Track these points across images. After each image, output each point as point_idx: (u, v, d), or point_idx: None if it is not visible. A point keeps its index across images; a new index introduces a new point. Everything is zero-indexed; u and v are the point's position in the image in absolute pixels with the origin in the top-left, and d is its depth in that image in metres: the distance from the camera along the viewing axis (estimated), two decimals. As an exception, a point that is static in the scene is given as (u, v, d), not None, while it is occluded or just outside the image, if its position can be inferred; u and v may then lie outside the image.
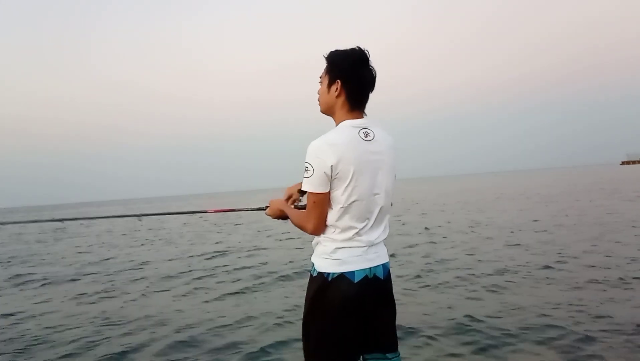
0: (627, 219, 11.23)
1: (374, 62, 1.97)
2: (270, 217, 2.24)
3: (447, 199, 26.46)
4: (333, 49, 1.99)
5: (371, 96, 1.98)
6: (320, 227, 1.92)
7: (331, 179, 1.85)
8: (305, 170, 1.86)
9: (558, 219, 12.16)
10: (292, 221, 2.05)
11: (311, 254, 2.04)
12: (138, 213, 2.69)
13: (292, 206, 2.21)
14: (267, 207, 2.25)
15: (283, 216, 2.19)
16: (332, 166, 1.83)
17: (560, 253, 7.50)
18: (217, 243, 12.50)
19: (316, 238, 1.98)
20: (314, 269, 1.95)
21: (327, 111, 2.02)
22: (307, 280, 2.00)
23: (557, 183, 36.76)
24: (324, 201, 1.89)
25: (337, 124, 1.99)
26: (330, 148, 1.83)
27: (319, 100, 2.04)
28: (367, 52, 1.94)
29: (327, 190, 1.87)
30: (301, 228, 1.97)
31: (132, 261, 10.01)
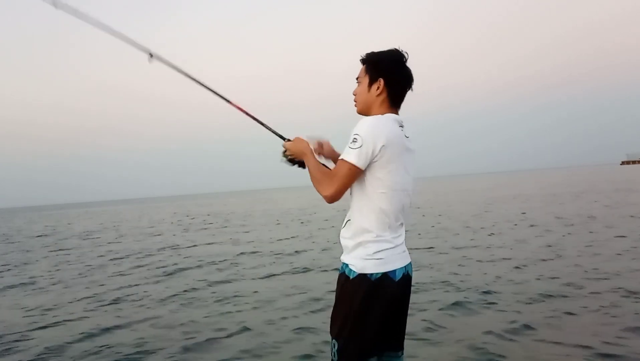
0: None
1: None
2: (286, 152, 2.14)
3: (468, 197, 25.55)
4: (369, 51, 2.04)
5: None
6: (337, 197, 1.90)
7: (372, 160, 1.85)
8: (354, 141, 1.85)
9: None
10: (311, 173, 1.98)
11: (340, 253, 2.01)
12: (148, 51, 2.31)
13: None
14: (288, 140, 2.15)
15: (299, 158, 2.09)
16: (382, 146, 1.84)
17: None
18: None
19: (354, 239, 1.92)
20: (351, 270, 1.91)
21: (365, 109, 2.03)
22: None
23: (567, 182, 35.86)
24: (355, 176, 1.89)
25: None
26: (384, 130, 1.87)
27: (355, 100, 2.07)
28: (405, 53, 2.00)
29: (363, 169, 1.87)
30: (319, 185, 1.92)
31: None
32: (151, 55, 2.30)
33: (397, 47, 2.00)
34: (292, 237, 12.42)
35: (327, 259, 8.36)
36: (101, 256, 11.06)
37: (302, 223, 16.73)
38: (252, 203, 43.21)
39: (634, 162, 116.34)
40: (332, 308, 2.01)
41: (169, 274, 7.96)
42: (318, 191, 1.91)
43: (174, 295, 6.27)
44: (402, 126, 1.96)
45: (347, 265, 1.93)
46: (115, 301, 6.15)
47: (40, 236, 18.91)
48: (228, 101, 2.29)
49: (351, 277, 1.89)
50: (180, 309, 5.56)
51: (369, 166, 1.86)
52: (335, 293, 2.01)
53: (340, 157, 1.88)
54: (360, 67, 2.05)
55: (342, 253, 2.03)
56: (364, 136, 1.83)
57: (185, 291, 6.50)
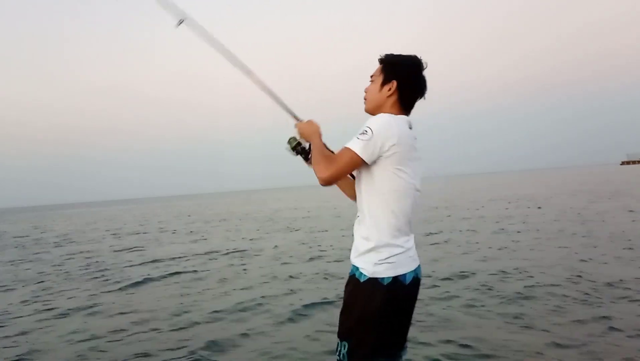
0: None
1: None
2: (291, 140, 2.15)
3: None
4: (389, 52, 2.05)
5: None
6: (331, 182, 1.94)
7: (379, 156, 1.86)
8: (364, 133, 1.86)
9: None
10: (313, 154, 2.00)
11: (349, 252, 2.00)
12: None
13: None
14: (301, 121, 2.18)
15: (309, 140, 2.08)
16: (392, 145, 1.85)
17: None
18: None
19: (366, 242, 1.93)
20: (362, 273, 1.92)
21: (374, 109, 2.04)
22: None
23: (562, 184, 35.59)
24: (355, 167, 1.91)
25: None
26: (397, 128, 1.88)
27: (365, 98, 2.09)
28: (424, 62, 2.02)
29: (368, 162, 1.87)
30: (317, 166, 1.93)
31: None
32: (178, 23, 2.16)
33: (417, 55, 2.02)
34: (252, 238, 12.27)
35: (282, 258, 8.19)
36: (63, 256, 11.09)
37: (288, 226, 16.47)
38: (246, 203, 43.46)
39: (634, 162, 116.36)
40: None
41: (103, 270, 8.37)
42: (315, 172, 1.93)
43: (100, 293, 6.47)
44: (410, 128, 1.99)
45: (357, 268, 1.95)
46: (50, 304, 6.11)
47: (15, 237, 19.04)
48: (249, 72, 2.23)
49: (362, 280, 1.91)
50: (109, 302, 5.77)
51: (378, 163, 1.87)
52: (344, 295, 2.03)
53: (345, 145, 1.89)
54: (377, 65, 2.07)
55: (351, 250, 2.05)
56: (376, 130, 1.84)
57: (120, 289, 6.71)
